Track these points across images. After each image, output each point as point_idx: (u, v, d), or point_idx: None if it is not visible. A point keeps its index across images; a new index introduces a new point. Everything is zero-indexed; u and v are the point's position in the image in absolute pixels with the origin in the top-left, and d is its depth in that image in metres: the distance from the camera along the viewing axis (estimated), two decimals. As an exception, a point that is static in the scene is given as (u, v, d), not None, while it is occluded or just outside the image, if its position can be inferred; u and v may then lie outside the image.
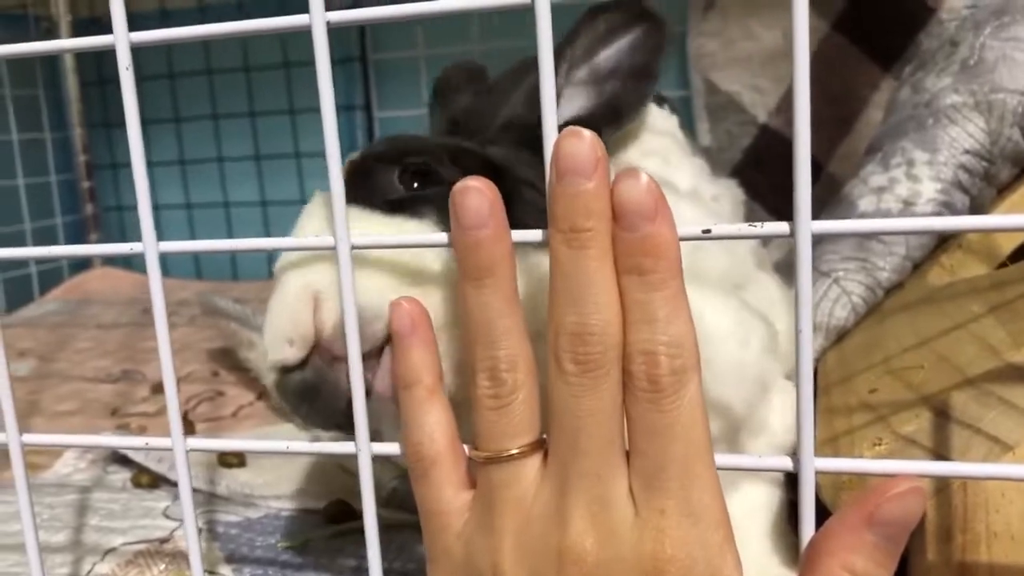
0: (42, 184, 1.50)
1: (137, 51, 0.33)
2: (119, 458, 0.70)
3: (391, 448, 0.34)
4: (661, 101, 0.55)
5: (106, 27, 0.32)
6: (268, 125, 1.47)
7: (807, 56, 0.27)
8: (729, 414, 0.44)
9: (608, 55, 0.46)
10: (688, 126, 1.16)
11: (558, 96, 0.45)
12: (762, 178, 1.08)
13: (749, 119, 1.13)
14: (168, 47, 1.46)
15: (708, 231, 0.30)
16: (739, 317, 0.44)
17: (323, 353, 0.37)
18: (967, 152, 0.58)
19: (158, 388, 0.91)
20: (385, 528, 0.35)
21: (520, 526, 0.30)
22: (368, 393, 0.34)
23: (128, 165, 0.35)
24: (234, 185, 1.51)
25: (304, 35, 0.32)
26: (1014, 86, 0.58)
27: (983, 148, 0.58)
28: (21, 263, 1.40)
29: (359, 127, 1.39)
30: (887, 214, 0.59)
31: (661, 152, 0.50)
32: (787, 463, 0.31)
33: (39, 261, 1.39)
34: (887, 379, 0.45)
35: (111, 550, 0.55)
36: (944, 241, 0.59)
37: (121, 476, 0.67)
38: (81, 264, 1.54)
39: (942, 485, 0.36)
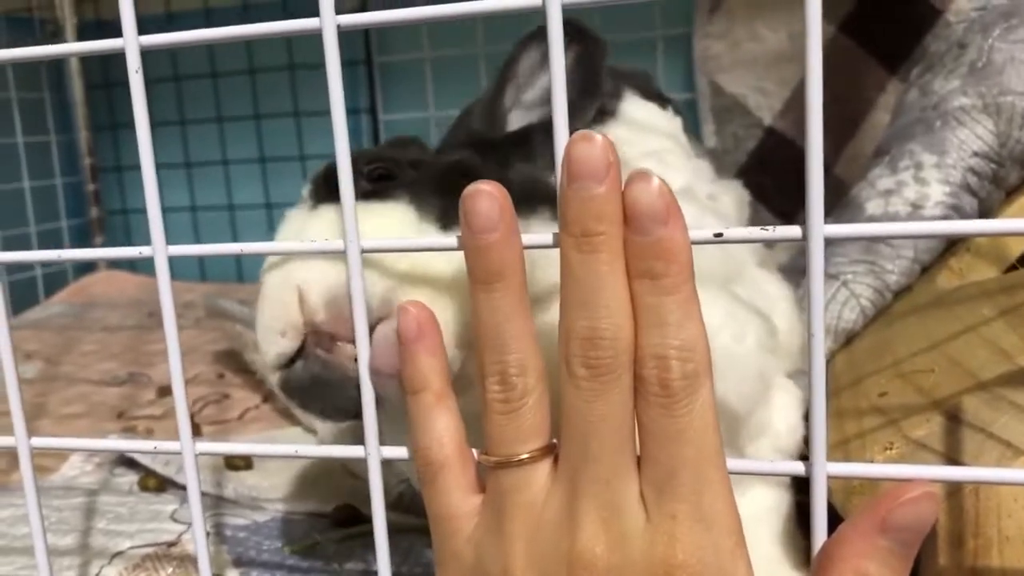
0: (47, 187, 1.50)
1: (142, 54, 0.33)
2: (126, 461, 0.70)
3: (400, 452, 0.34)
4: (665, 103, 0.55)
5: (111, 30, 0.32)
6: (273, 128, 1.47)
7: (820, 65, 0.27)
8: (725, 411, 0.44)
9: (534, 92, 0.47)
10: (694, 128, 1.16)
11: (508, 115, 0.46)
12: (768, 180, 1.08)
13: (755, 121, 1.13)
14: (173, 50, 1.47)
15: (720, 235, 0.30)
16: (731, 311, 0.44)
17: (321, 339, 0.37)
18: (976, 155, 0.58)
19: (164, 391, 0.91)
20: (392, 532, 0.34)
21: (530, 531, 0.30)
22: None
23: (133, 168, 0.35)
24: (239, 188, 1.51)
25: (309, 38, 0.32)
26: (1022, 88, 0.58)
27: (992, 150, 0.58)
28: (27, 266, 1.40)
29: (364, 130, 1.39)
30: (895, 217, 0.59)
31: (659, 152, 0.50)
32: (799, 468, 0.30)
33: (45, 264, 1.39)
34: (897, 382, 0.45)
35: (119, 553, 0.55)
36: (953, 244, 0.58)
37: (128, 479, 0.67)
38: (86, 267, 1.54)
39: (954, 490, 0.36)
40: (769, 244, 0.60)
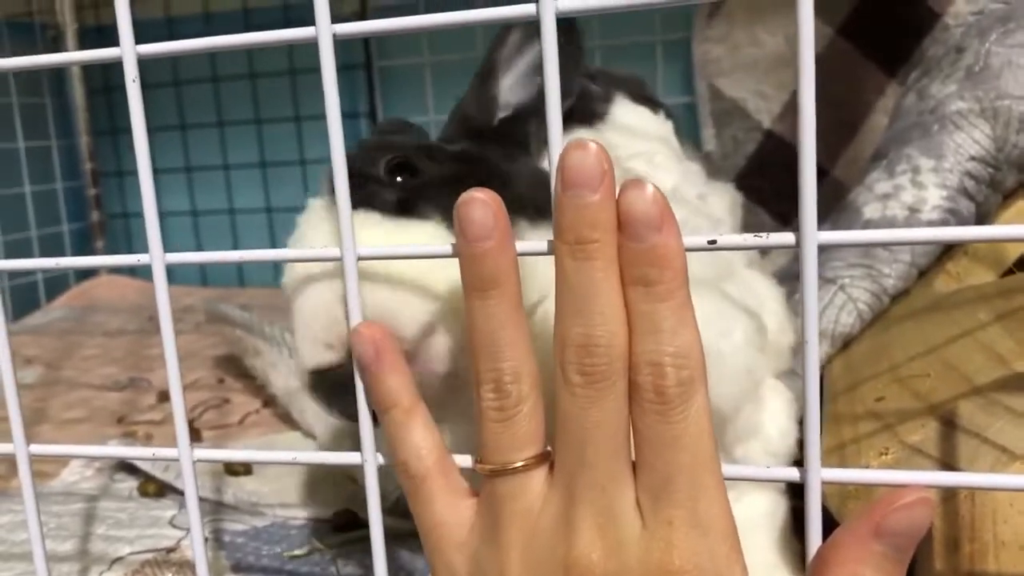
0: (48, 191, 1.51)
1: (142, 60, 0.33)
2: (126, 466, 0.70)
3: (397, 458, 0.34)
4: (657, 107, 0.55)
5: (112, 35, 0.32)
6: (273, 132, 1.47)
7: (812, 69, 0.27)
8: (712, 409, 0.44)
9: (526, 62, 0.47)
10: (693, 132, 1.16)
11: (498, 96, 0.46)
12: (767, 183, 1.08)
13: (754, 125, 1.13)
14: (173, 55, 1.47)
15: (714, 241, 0.30)
16: (719, 307, 0.44)
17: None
18: (973, 159, 0.58)
19: (164, 396, 0.91)
20: (390, 537, 0.35)
21: (526, 539, 0.30)
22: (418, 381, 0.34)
23: (134, 172, 0.35)
24: (239, 192, 1.52)
25: (310, 43, 0.32)
26: (1020, 92, 0.58)
27: (989, 154, 0.58)
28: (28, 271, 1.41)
29: (364, 134, 1.39)
30: (892, 221, 0.59)
31: (648, 154, 0.50)
32: (794, 474, 0.30)
33: (45, 269, 1.39)
34: (894, 387, 0.45)
35: (118, 559, 0.55)
36: (950, 248, 0.59)
37: (128, 485, 0.68)
38: (87, 271, 1.54)
39: (949, 495, 0.36)
40: (764, 249, 0.60)
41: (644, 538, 0.28)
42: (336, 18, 0.31)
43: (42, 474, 0.70)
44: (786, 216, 1.07)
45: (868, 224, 0.60)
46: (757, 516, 0.47)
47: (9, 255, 1.37)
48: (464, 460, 0.34)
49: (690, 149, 0.57)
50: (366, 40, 1.35)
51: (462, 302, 0.36)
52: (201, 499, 0.61)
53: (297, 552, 0.56)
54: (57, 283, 1.49)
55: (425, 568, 0.53)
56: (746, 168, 1.13)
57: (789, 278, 0.61)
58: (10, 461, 0.38)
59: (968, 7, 0.85)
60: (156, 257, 0.34)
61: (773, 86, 1.12)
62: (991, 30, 0.62)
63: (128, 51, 0.33)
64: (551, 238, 0.31)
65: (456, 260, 0.36)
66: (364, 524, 0.57)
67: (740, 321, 0.45)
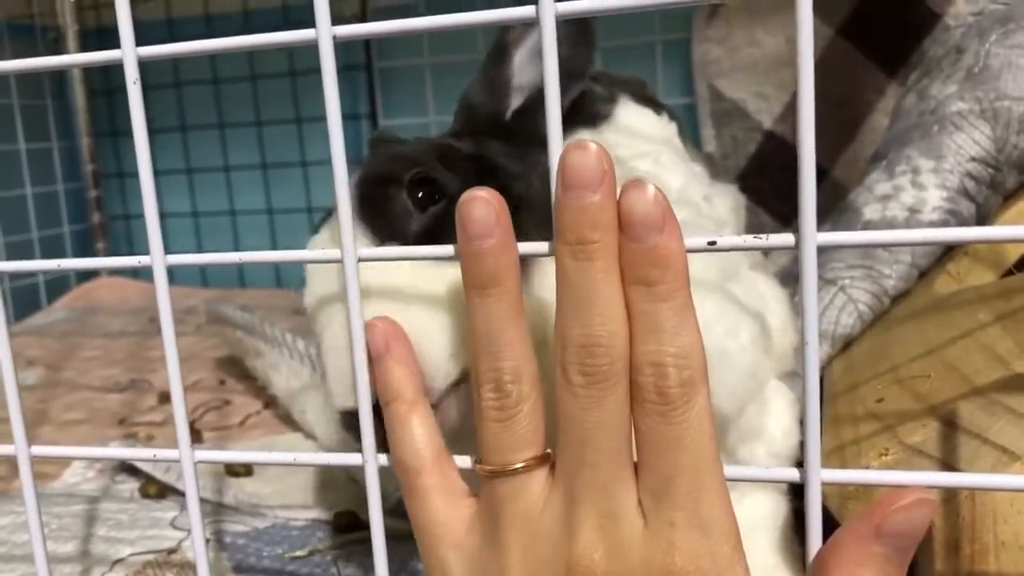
0: (49, 193, 1.51)
1: (143, 61, 0.33)
2: (127, 468, 0.70)
3: (398, 460, 0.34)
4: (660, 109, 0.55)
5: (113, 37, 0.32)
6: (274, 134, 1.47)
7: (811, 70, 0.27)
8: (715, 408, 0.44)
9: (532, 41, 0.46)
10: (693, 133, 1.16)
11: (511, 79, 0.45)
12: (767, 184, 1.08)
13: (754, 125, 1.13)
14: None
15: (713, 243, 0.30)
16: (724, 307, 0.44)
17: None
18: (973, 159, 0.58)
19: (165, 397, 0.91)
20: (392, 538, 0.35)
21: (527, 540, 0.30)
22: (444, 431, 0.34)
23: (135, 174, 0.35)
24: (240, 193, 1.52)
25: (310, 45, 0.32)
26: (1019, 93, 0.58)
27: (989, 155, 0.58)
28: (29, 272, 1.41)
29: (365, 136, 1.39)
30: (892, 222, 0.59)
31: (652, 155, 0.50)
32: (794, 475, 0.31)
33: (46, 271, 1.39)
34: (894, 388, 0.45)
35: (119, 560, 0.55)
36: (951, 248, 0.59)
37: (129, 486, 0.68)
38: (88, 272, 1.55)
39: (950, 495, 0.36)
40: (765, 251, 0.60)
41: (646, 539, 0.28)
42: (336, 19, 0.31)
43: (43, 475, 0.70)
44: (787, 217, 1.07)
45: (868, 225, 0.60)
46: (758, 517, 0.47)
47: (10, 257, 1.37)
48: (463, 461, 0.34)
49: (693, 150, 0.57)
50: (366, 41, 1.35)
51: (449, 302, 0.36)
52: (202, 500, 0.61)
53: (298, 553, 0.56)
54: (58, 284, 1.49)
55: (426, 569, 0.53)
56: (746, 169, 1.13)
57: (790, 279, 0.61)
58: (11, 462, 0.38)
59: (968, 7, 0.85)
60: (157, 259, 0.34)
61: (773, 87, 1.12)
62: (991, 31, 0.62)
63: (129, 53, 0.33)
64: (544, 244, 0.31)
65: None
66: (365, 525, 0.57)
67: (745, 322, 0.45)
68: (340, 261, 0.33)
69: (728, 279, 0.46)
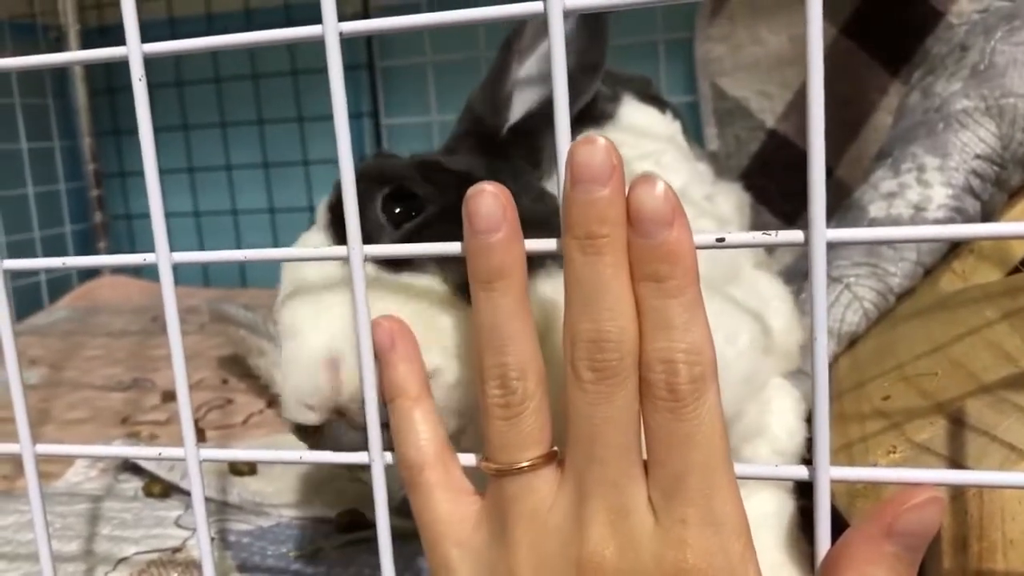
0: (51, 192, 1.51)
1: (146, 60, 0.33)
2: (130, 467, 0.70)
3: (404, 458, 0.34)
4: (664, 107, 0.55)
5: (114, 36, 0.32)
6: (276, 132, 1.47)
7: (820, 67, 0.27)
8: None
9: (534, 62, 0.46)
10: (696, 131, 1.16)
11: (512, 93, 0.45)
12: (770, 183, 1.08)
13: (757, 124, 1.13)
14: (176, 55, 1.48)
15: (722, 239, 0.30)
16: (722, 311, 0.44)
17: (349, 419, 0.36)
18: (978, 157, 0.58)
19: (168, 396, 0.91)
20: (397, 537, 0.34)
21: (535, 538, 0.29)
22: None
23: (137, 173, 0.35)
24: (242, 192, 1.52)
25: (312, 43, 0.32)
26: (1025, 90, 0.58)
27: (994, 153, 0.58)
28: (31, 271, 1.41)
29: (367, 134, 1.39)
30: (898, 219, 0.59)
31: (655, 155, 0.50)
32: (803, 472, 0.30)
33: (49, 269, 1.40)
34: (901, 386, 0.45)
35: (123, 559, 0.55)
36: (956, 246, 0.58)
37: (132, 485, 0.68)
38: (90, 271, 1.55)
39: (958, 493, 0.36)
40: (770, 248, 0.60)
41: (657, 535, 0.28)
42: (338, 18, 0.31)
43: (46, 474, 0.70)
44: (790, 216, 1.07)
45: (873, 223, 0.60)
46: (764, 515, 0.47)
47: (12, 256, 1.37)
48: (468, 459, 0.34)
49: (698, 149, 0.57)
50: (368, 40, 1.35)
51: (466, 348, 0.36)
52: (207, 499, 0.61)
53: (303, 552, 0.56)
54: (60, 284, 1.49)
55: (431, 568, 0.52)
56: (749, 167, 1.13)
57: (795, 277, 0.61)
58: (15, 461, 0.38)
59: (972, 5, 0.85)
60: (162, 257, 0.34)
61: (776, 85, 1.12)
62: (996, 28, 0.62)
63: (134, 50, 0.33)
64: (552, 242, 0.31)
65: (458, 312, 0.36)
66: (369, 524, 0.57)
67: (745, 325, 0.45)
68: (346, 258, 0.33)
69: (728, 280, 0.46)
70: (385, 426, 0.34)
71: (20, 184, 1.43)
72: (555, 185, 0.31)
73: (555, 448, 0.30)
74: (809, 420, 0.42)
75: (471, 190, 0.30)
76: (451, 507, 0.32)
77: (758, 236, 0.30)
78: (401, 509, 0.59)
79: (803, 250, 0.29)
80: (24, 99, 1.44)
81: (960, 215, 0.58)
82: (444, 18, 0.31)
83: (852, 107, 1.04)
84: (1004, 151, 0.58)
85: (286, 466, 0.68)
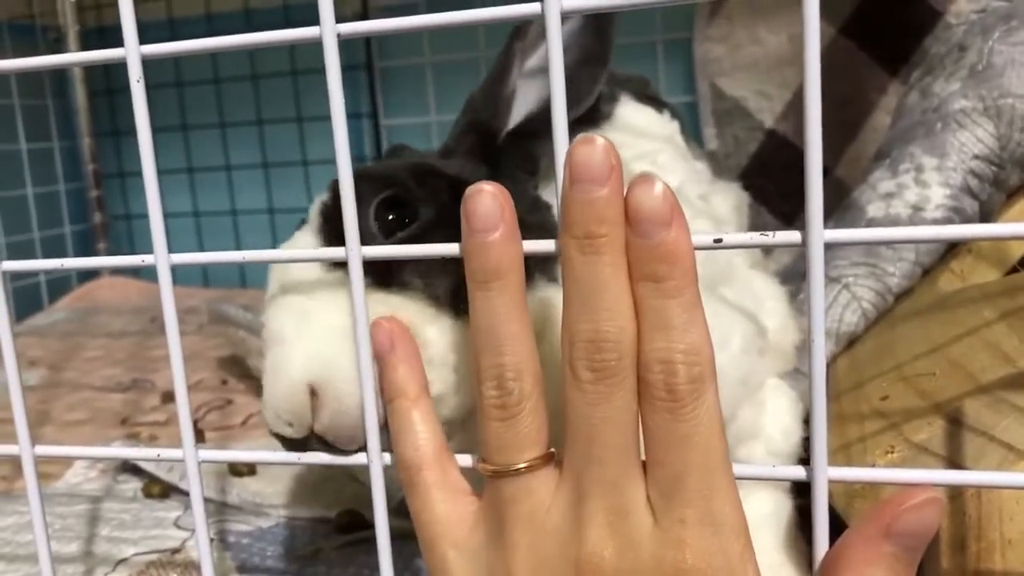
0: (51, 193, 1.51)
1: (145, 60, 0.33)
2: (130, 467, 0.70)
3: (403, 459, 0.34)
4: (662, 107, 0.55)
5: (113, 37, 0.32)
6: (275, 133, 1.47)
7: (818, 68, 0.27)
8: None
9: (535, 63, 0.46)
10: (695, 131, 1.16)
11: (514, 94, 0.45)
12: (769, 183, 1.08)
13: (756, 124, 1.13)
14: (175, 56, 1.48)
15: (719, 240, 0.30)
16: (715, 315, 0.44)
17: (318, 438, 0.36)
18: (976, 157, 0.58)
19: (168, 397, 0.91)
20: (396, 537, 0.34)
21: (533, 539, 0.29)
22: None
23: (136, 174, 0.35)
24: (242, 193, 1.52)
25: (312, 44, 0.32)
26: (1023, 91, 0.58)
27: (992, 153, 0.58)
28: (31, 272, 1.41)
29: (366, 135, 1.39)
30: (896, 220, 0.59)
31: (652, 155, 0.50)
32: (800, 472, 0.30)
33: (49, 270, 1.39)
34: (899, 386, 0.45)
35: (123, 560, 0.55)
36: (954, 246, 0.58)
37: (132, 486, 0.68)
38: (89, 272, 1.55)
39: (956, 493, 0.36)
40: (767, 248, 0.60)
41: (656, 536, 0.28)
42: (337, 19, 0.31)
43: (46, 475, 0.70)
44: (788, 216, 1.07)
45: (871, 223, 0.60)
46: (762, 516, 0.47)
47: (11, 257, 1.37)
48: (465, 460, 0.34)
49: (696, 148, 0.57)
50: (367, 40, 1.35)
51: (451, 360, 0.36)
52: (206, 500, 0.61)
53: (302, 552, 0.56)
54: (59, 285, 1.49)
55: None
56: (748, 167, 1.13)
57: (793, 277, 0.61)
58: (14, 463, 0.38)
59: (970, 5, 0.85)
60: (161, 258, 0.34)
61: (775, 85, 1.12)
62: (994, 28, 0.62)
63: (132, 51, 0.33)
64: (550, 242, 0.31)
65: (443, 323, 0.36)
66: (368, 524, 0.57)
67: (738, 327, 0.45)
68: (344, 260, 0.33)
69: (721, 282, 0.46)
70: (384, 428, 0.34)
71: (20, 185, 1.43)
72: (551, 193, 0.31)
73: (552, 449, 0.30)
74: (806, 420, 0.42)
75: (470, 189, 0.30)
76: (449, 507, 0.32)
77: (755, 237, 0.30)
78: (400, 509, 0.59)
79: (801, 250, 0.29)
80: (23, 100, 1.44)
81: (958, 215, 0.58)
82: (441, 19, 0.31)
83: (851, 107, 1.04)
84: (1002, 151, 0.58)
85: (285, 467, 0.68)
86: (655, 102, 0.55)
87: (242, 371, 0.97)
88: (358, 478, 0.65)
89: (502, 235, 0.30)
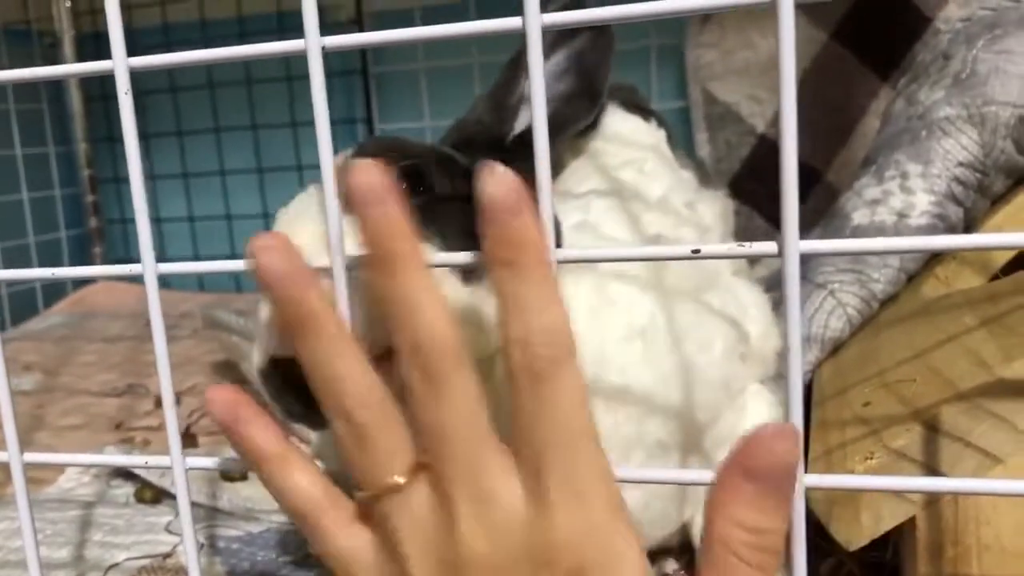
0: (46, 198, 1.51)
1: (137, 69, 0.34)
2: (123, 472, 0.70)
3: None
4: (649, 116, 0.55)
5: (109, 43, 0.33)
6: (270, 138, 1.47)
7: (793, 83, 0.28)
8: (686, 419, 0.44)
9: (557, 60, 0.47)
10: (686, 137, 1.17)
11: (520, 104, 0.46)
12: (760, 187, 1.08)
13: (747, 129, 1.13)
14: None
15: (697, 251, 0.31)
16: (698, 319, 0.44)
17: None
18: (960, 164, 0.59)
19: (162, 402, 0.91)
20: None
21: (421, 547, 0.30)
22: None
23: (131, 179, 0.36)
24: (236, 198, 1.52)
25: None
26: (1006, 98, 0.59)
27: (976, 160, 0.59)
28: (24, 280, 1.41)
29: (360, 140, 1.40)
30: (881, 226, 0.59)
31: (637, 163, 0.50)
32: (777, 480, 0.31)
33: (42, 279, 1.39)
34: (881, 392, 0.46)
35: (114, 565, 0.56)
36: (939, 253, 0.59)
37: (124, 491, 0.68)
38: (85, 277, 1.55)
39: (933, 499, 0.37)
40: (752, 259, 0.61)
41: (527, 519, 0.29)
42: (333, 25, 0.32)
43: (39, 480, 0.70)
44: (780, 220, 1.07)
45: (857, 229, 0.60)
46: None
47: (7, 262, 1.37)
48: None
49: (683, 157, 0.57)
50: (362, 46, 1.35)
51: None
52: (197, 505, 0.62)
53: (292, 557, 0.56)
54: (55, 289, 1.50)
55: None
56: (740, 172, 1.13)
57: (780, 283, 0.62)
58: (5, 469, 0.38)
59: (959, 12, 0.86)
60: (148, 267, 0.35)
61: (766, 90, 1.12)
62: (978, 36, 0.62)
63: (120, 64, 0.34)
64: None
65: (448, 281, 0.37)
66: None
67: (720, 332, 0.45)
68: (329, 268, 0.33)
69: (705, 288, 0.46)
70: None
71: (15, 190, 1.43)
72: (558, 200, 0.31)
73: (419, 460, 0.31)
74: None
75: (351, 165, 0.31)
76: (351, 542, 0.32)
77: (734, 248, 0.31)
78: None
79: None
80: (19, 105, 1.44)
81: (943, 222, 0.59)
82: (428, 33, 0.32)
83: (843, 112, 1.05)
84: (986, 158, 0.59)
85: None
86: (642, 110, 0.55)
87: (236, 376, 0.97)
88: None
89: (302, 284, 0.30)
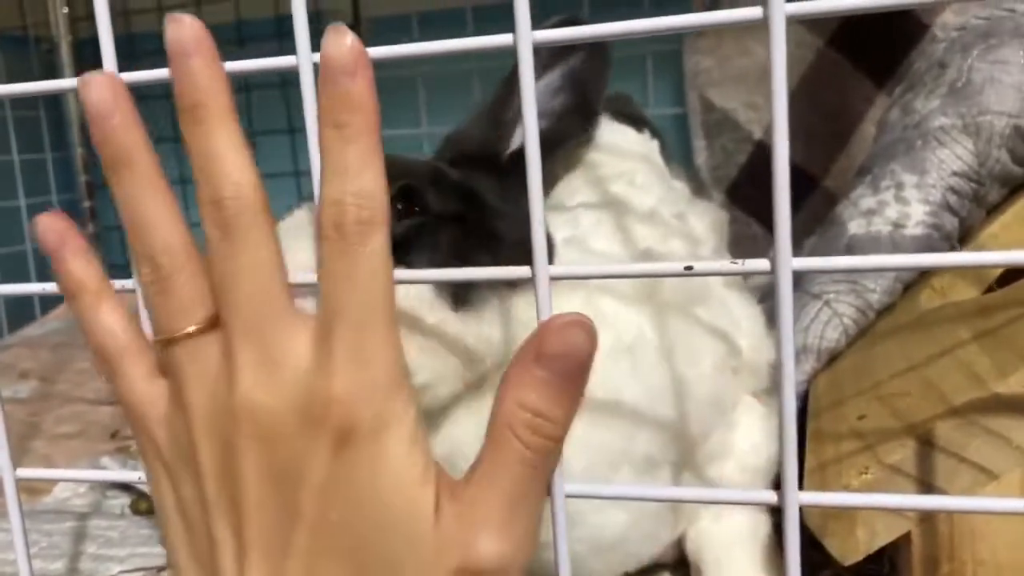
0: (43, 204, 1.51)
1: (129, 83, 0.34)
2: (118, 484, 0.70)
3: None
4: (641, 126, 0.55)
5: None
6: (267, 144, 1.47)
7: (785, 102, 0.28)
8: (676, 434, 0.44)
9: (552, 78, 0.47)
10: (684, 144, 1.17)
11: (516, 120, 0.46)
12: (758, 194, 1.08)
13: (744, 135, 1.13)
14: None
15: (690, 267, 0.31)
16: (688, 333, 0.44)
17: None
18: (955, 174, 0.59)
19: (157, 410, 0.91)
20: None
21: (203, 397, 0.30)
22: None
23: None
24: (234, 204, 1.52)
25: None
26: (1001, 108, 0.59)
27: (971, 170, 0.59)
28: (22, 281, 1.41)
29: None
30: (877, 236, 0.59)
31: (628, 174, 0.50)
32: (772, 497, 0.31)
33: (41, 280, 1.39)
34: (875, 405, 0.46)
35: (108, 577, 0.56)
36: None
37: (120, 501, 0.68)
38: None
39: (928, 514, 0.37)
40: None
41: (307, 375, 0.29)
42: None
43: (35, 491, 0.70)
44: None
45: (853, 239, 0.60)
46: (739, 535, 0.48)
47: (4, 268, 1.37)
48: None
49: (676, 167, 0.57)
50: (359, 52, 1.35)
51: (442, 349, 0.36)
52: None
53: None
54: (52, 295, 1.49)
55: None
56: (737, 179, 1.13)
57: (773, 299, 0.62)
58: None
59: (956, 19, 0.86)
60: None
61: (763, 96, 1.12)
62: (973, 46, 0.62)
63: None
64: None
65: (440, 315, 0.37)
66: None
67: (710, 346, 0.45)
68: (315, 284, 0.33)
69: (696, 301, 0.46)
70: None
71: (12, 196, 1.43)
72: (554, 212, 0.31)
73: (216, 313, 0.31)
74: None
75: (81, 80, 0.31)
76: (151, 388, 0.32)
77: (725, 265, 0.31)
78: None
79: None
80: (16, 111, 1.44)
81: (938, 231, 0.59)
82: (421, 49, 0.32)
83: (840, 118, 1.05)
84: (981, 168, 0.59)
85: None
86: (635, 121, 0.55)
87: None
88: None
89: (120, 121, 0.31)
